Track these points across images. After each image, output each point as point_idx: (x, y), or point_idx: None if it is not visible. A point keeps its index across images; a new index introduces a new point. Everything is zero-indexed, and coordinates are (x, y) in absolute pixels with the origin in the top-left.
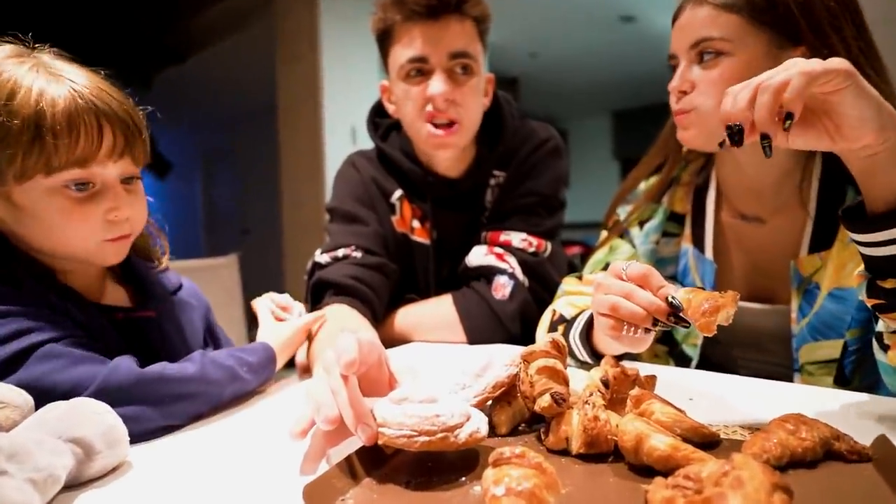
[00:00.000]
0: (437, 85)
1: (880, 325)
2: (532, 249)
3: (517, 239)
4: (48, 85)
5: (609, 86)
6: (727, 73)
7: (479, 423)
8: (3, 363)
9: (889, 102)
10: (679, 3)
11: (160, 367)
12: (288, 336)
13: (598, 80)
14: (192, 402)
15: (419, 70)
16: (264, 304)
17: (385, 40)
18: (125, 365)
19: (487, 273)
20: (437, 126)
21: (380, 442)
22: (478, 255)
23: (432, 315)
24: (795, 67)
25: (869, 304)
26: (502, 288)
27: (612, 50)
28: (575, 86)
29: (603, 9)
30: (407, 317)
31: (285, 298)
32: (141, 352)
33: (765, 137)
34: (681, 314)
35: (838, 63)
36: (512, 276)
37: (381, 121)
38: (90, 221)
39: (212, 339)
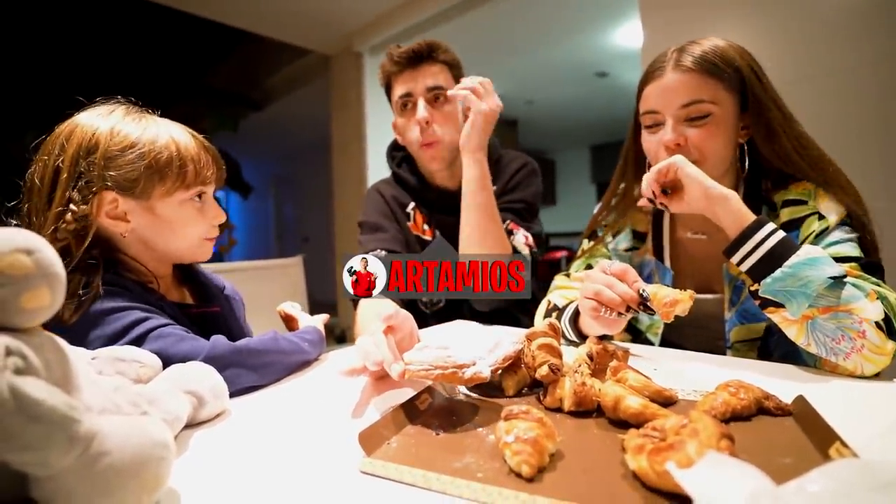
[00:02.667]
0: (420, 112)
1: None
2: (534, 249)
3: (521, 243)
4: (176, 131)
5: (587, 126)
6: (714, 130)
7: (482, 367)
8: (132, 341)
9: (801, 150)
10: (655, 65)
11: (245, 342)
12: (321, 324)
13: (579, 121)
14: (271, 367)
15: (406, 103)
16: (292, 307)
17: (388, 88)
18: (222, 341)
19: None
20: (423, 144)
21: (406, 377)
22: (519, 241)
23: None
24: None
25: (756, 304)
26: None
27: (589, 98)
28: (561, 126)
29: (583, 67)
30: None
31: (298, 305)
32: (209, 336)
33: (650, 200)
34: (648, 304)
35: (674, 157)
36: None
37: (396, 153)
38: (203, 223)
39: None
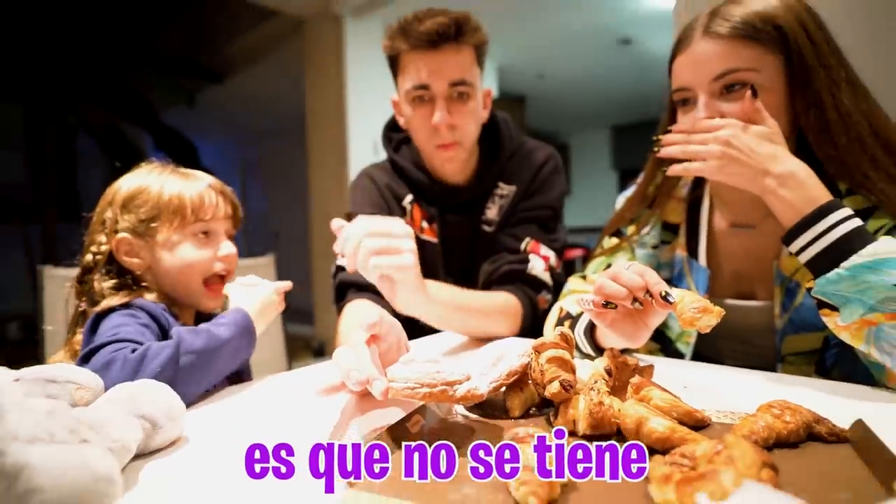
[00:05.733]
0: (439, 115)
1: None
2: (558, 270)
3: (540, 270)
4: (183, 178)
5: (608, 103)
6: (759, 103)
7: (477, 383)
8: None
9: (846, 125)
10: (684, 34)
11: (143, 349)
12: (259, 299)
13: (599, 97)
14: (188, 374)
15: (423, 97)
16: (233, 285)
17: (394, 65)
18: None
19: (540, 285)
20: (439, 146)
21: (389, 395)
22: (538, 268)
23: (492, 300)
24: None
25: (814, 304)
26: (545, 302)
27: (611, 70)
28: (577, 103)
29: (603, 33)
30: (462, 296)
31: (252, 279)
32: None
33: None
34: (670, 301)
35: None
36: (550, 291)
37: (394, 135)
38: (207, 258)
39: None
